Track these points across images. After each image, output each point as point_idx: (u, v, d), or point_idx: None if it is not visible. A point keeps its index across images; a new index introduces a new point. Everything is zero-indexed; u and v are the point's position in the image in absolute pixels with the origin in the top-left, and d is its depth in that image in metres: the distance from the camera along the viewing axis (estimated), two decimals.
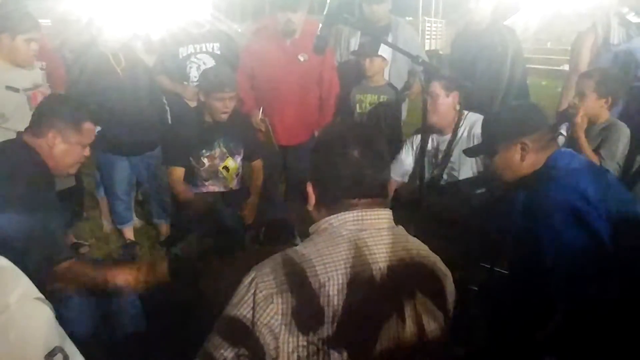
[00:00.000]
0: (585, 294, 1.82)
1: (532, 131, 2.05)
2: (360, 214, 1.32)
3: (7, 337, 1.12)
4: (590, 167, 2.08)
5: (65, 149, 2.14)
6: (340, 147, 1.35)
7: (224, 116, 3.18)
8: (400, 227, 1.40)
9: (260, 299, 1.20)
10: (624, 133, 2.88)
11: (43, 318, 1.20)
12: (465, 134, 3.06)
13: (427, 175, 3.10)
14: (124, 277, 2.10)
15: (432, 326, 1.32)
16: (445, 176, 3.15)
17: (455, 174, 3.12)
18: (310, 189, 1.40)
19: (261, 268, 1.26)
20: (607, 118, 2.94)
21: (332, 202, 1.35)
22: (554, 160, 2.03)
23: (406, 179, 3.32)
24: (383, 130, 3.65)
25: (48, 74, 3.39)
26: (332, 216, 1.33)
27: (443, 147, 3.13)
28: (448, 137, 3.12)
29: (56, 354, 1.16)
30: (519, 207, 2.14)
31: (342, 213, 1.32)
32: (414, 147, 3.28)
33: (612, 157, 2.82)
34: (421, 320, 1.30)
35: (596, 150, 2.85)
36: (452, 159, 3.10)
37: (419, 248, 1.39)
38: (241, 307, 1.22)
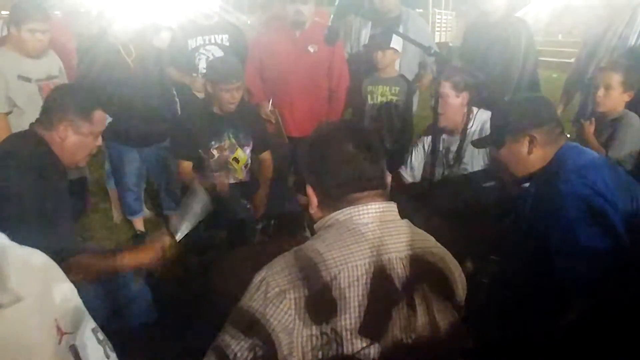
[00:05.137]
0: (603, 291, 1.79)
1: (540, 124, 2.02)
2: (365, 207, 1.32)
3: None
4: (600, 162, 2.05)
5: (77, 141, 2.13)
6: (334, 143, 1.35)
7: (232, 107, 3.16)
8: (406, 220, 1.39)
9: (273, 297, 1.20)
10: (634, 125, 2.84)
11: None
12: (477, 132, 2.98)
13: (438, 175, 3.05)
14: (133, 259, 2.05)
15: (443, 317, 1.32)
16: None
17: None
18: (310, 191, 1.39)
19: (271, 267, 1.26)
20: (620, 110, 2.90)
21: (334, 200, 1.34)
22: (562, 154, 2.00)
23: (417, 179, 3.29)
24: (394, 123, 3.64)
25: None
26: (337, 212, 1.33)
27: (454, 147, 3.07)
28: (458, 137, 3.06)
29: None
30: (529, 201, 2.11)
31: (347, 208, 1.32)
32: (425, 148, 3.23)
33: (618, 150, 2.79)
34: (432, 311, 1.30)
35: (603, 143, 2.82)
36: (464, 159, 3.04)
37: (426, 239, 1.39)
38: (253, 302, 1.22)
